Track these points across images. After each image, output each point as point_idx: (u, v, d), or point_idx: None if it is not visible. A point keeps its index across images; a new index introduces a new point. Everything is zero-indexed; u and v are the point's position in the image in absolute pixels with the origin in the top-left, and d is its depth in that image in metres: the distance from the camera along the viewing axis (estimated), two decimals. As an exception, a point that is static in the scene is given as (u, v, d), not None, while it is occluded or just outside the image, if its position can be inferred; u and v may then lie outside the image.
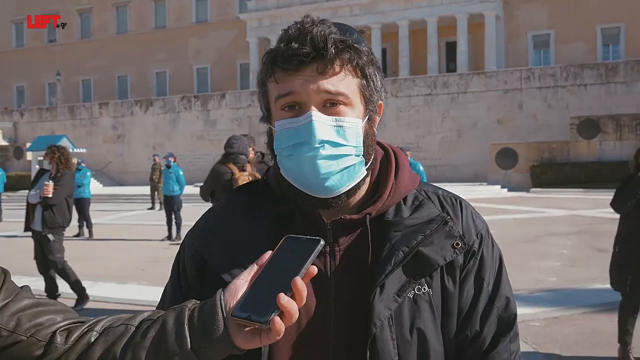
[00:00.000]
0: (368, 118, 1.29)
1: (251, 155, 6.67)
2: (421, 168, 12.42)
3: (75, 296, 7.94)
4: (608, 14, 38.44)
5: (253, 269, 1.13)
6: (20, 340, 1.09)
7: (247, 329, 1.06)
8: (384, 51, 42.98)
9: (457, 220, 1.33)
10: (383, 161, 1.39)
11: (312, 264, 1.08)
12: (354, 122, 1.24)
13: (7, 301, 1.11)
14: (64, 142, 31.44)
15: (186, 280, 1.35)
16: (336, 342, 1.25)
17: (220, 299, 1.09)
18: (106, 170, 40.39)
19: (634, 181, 5.52)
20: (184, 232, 14.73)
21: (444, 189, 1.42)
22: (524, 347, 5.95)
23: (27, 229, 8.02)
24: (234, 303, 1.08)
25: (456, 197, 1.40)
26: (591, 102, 30.59)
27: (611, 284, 5.72)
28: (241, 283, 1.11)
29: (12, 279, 1.16)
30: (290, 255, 1.10)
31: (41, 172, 8.20)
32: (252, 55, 44.47)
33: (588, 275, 9.06)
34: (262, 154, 7.05)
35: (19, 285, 1.18)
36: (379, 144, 1.40)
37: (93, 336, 1.12)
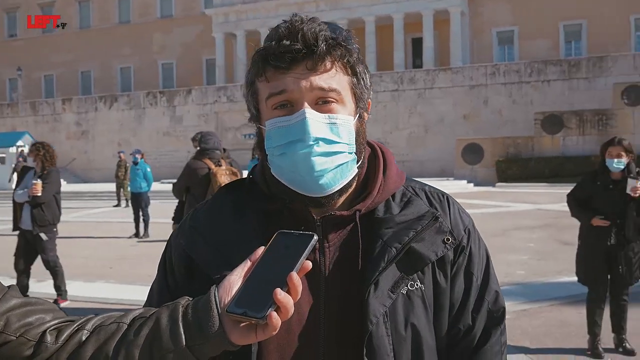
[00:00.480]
0: (359, 116, 1.30)
1: None
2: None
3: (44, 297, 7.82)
4: (570, 10, 39.06)
5: (246, 264, 1.12)
6: (10, 340, 1.07)
7: (242, 324, 1.05)
8: (350, 47, 43.01)
9: (445, 216, 1.34)
10: (371, 158, 1.39)
11: (306, 259, 1.08)
12: (346, 120, 1.25)
13: None
14: (26, 139, 30.93)
15: (174, 278, 1.34)
16: (326, 338, 1.25)
17: (215, 295, 1.08)
18: (70, 167, 39.75)
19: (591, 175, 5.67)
20: (151, 229, 14.60)
21: (430, 185, 1.43)
22: (492, 340, 6.03)
23: (15, 227, 7.92)
24: (229, 299, 1.07)
25: (443, 193, 1.41)
26: (554, 97, 31.06)
27: (577, 276, 5.83)
28: (235, 279, 1.10)
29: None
30: (283, 251, 1.10)
31: (25, 169, 8.05)
32: (218, 51, 44.21)
33: (555, 268, 9.22)
34: (224, 149, 7.04)
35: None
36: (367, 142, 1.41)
37: (84, 335, 1.10)
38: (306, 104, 1.21)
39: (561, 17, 39.50)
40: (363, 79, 1.30)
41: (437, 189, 1.42)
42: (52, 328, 1.11)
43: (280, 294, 1.02)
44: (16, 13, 52.96)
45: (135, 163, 14.98)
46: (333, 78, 1.23)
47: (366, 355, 1.20)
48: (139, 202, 14.61)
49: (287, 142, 1.21)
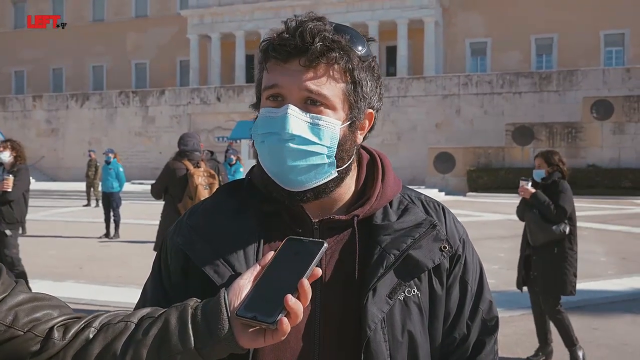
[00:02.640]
0: (350, 123, 1.29)
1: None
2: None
3: None
4: (542, 24, 39.59)
5: (256, 268, 1.14)
6: (17, 335, 1.08)
7: (251, 329, 1.06)
8: (325, 53, 43.07)
9: (441, 224, 1.36)
10: (369, 165, 1.40)
11: (316, 266, 1.10)
12: (331, 123, 1.25)
13: (3, 295, 1.10)
14: (-5, 135, 30.35)
15: (169, 277, 1.33)
16: (322, 342, 1.25)
17: (225, 298, 1.09)
18: (39, 165, 39.14)
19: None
20: (122, 229, 14.46)
21: (424, 194, 1.45)
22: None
23: None
24: (238, 302, 1.08)
25: (438, 203, 1.43)
26: (525, 109, 31.42)
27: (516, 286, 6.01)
28: (245, 283, 1.12)
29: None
30: (293, 257, 1.12)
31: None
32: (192, 53, 43.94)
33: (524, 277, 9.33)
34: (211, 152, 7.05)
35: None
36: (365, 149, 1.42)
37: (91, 332, 1.11)
38: (292, 101, 1.23)
39: (533, 30, 40.01)
40: (362, 87, 1.28)
41: (432, 198, 1.44)
42: (59, 324, 1.11)
43: (291, 299, 1.04)
44: (-13, 7, 52.16)
45: (108, 162, 14.83)
46: (325, 82, 1.23)
47: None
48: (110, 202, 14.47)
49: (268, 132, 1.24)
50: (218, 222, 1.31)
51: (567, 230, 5.52)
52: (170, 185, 6.27)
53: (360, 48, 1.28)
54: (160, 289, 1.34)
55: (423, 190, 23.87)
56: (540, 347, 5.80)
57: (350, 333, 1.24)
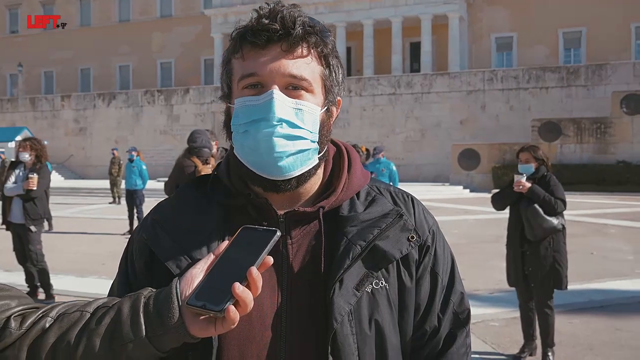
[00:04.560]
0: (327, 109, 1.30)
1: (214, 150, 6.69)
2: (394, 168, 12.34)
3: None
4: (570, 18, 39.03)
5: (210, 258, 1.14)
6: None
7: (202, 317, 1.07)
8: (348, 50, 43.02)
9: (409, 215, 1.34)
10: (336, 157, 1.39)
11: (268, 255, 1.09)
12: (313, 108, 1.25)
13: None
14: (25, 134, 30.90)
15: (134, 273, 1.32)
16: (288, 335, 1.24)
17: (176, 287, 1.09)
18: (67, 163, 39.77)
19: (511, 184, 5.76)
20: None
21: (395, 186, 1.44)
22: (483, 347, 6.03)
23: (4, 221, 8.00)
24: (190, 292, 1.08)
25: (407, 194, 1.41)
26: (552, 105, 31.04)
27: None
28: (197, 272, 1.11)
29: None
30: (246, 246, 1.11)
31: (13, 164, 8.10)
32: (216, 51, 44.13)
33: (545, 274, 9.21)
34: (225, 149, 7.06)
35: None
36: (331, 141, 1.40)
37: (48, 322, 1.11)
38: (275, 87, 1.21)
39: (561, 24, 39.47)
40: (335, 72, 1.30)
41: (401, 189, 1.42)
42: (17, 314, 1.12)
43: (238, 288, 1.04)
44: (18, 10, 52.97)
45: (131, 160, 15.02)
46: (307, 66, 1.24)
47: (331, 353, 1.20)
48: (134, 200, 14.63)
49: (252, 120, 1.22)
50: (183, 217, 1.30)
51: (564, 223, 5.53)
52: (180, 182, 6.29)
53: (327, 35, 1.29)
54: (125, 285, 1.32)
55: (447, 188, 23.74)
56: (526, 344, 5.78)
57: (317, 326, 1.23)
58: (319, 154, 1.29)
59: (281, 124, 1.21)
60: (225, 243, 1.14)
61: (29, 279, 8.05)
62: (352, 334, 1.22)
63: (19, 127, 37.00)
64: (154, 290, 1.14)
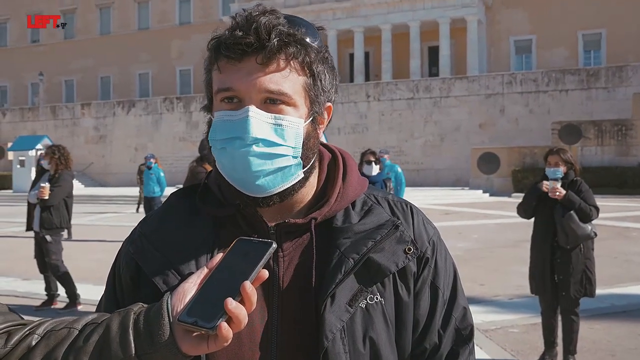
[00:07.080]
0: (312, 120, 1.23)
1: None
2: (399, 170, 12.24)
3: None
4: (589, 20, 38.77)
5: (203, 271, 1.08)
6: None
7: (194, 334, 1.01)
8: (366, 55, 43.04)
9: (408, 226, 1.27)
10: (331, 165, 1.33)
11: (263, 268, 1.04)
12: (294, 122, 1.18)
13: None
14: (46, 142, 31.21)
15: (121, 288, 1.28)
16: (279, 351, 1.19)
17: (167, 303, 1.04)
18: (88, 171, 40.09)
19: (532, 187, 5.62)
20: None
21: (394, 195, 1.37)
22: (503, 355, 5.94)
23: (28, 228, 8.07)
24: (182, 307, 1.03)
25: (407, 203, 1.34)
26: (572, 107, 30.81)
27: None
28: (189, 286, 1.06)
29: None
30: (241, 259, 1.06)
31: (41, 171, 8.19)
32: (235, 58, 44.32)
33: (566, 279, 9.09)
34: None
35: None
36: (327, 147, 1.35)
37: (34, 339, 1.07)
38: (252, 104, 1.15)
39: (580, 26, 39.21)
40: (321, 80, 1.22)
41: (401, 198, 1.36)
42: (2, 331, 1.08)
43: (231, 303, 0.98)
44: (38, 19, 53.66)
45: (149, 167, 15.08)
46: (285, 78, 1.16)
47: None
48: (152, 207, 14.66)
49: (228, 138, 1.16)
50: (170, 229, 1.25)
51: (595, 230, 5.40)
52: None
53: (314, 40, 1.21)
54: (113, 301, 1.28)
55: (467, 192, 23.67)
56: (547, 351, 5.65)
57: (309, 342, 1.17)
58: (303, 168, 1.22)
59: (257, 143, 1.14)
60: (220, 256, 1.09)
61: (48, 287, 8.07)
62: (345, 352, 1.16)
63: (39, 135, 37.35)
64: (144, 305, 1.09)
